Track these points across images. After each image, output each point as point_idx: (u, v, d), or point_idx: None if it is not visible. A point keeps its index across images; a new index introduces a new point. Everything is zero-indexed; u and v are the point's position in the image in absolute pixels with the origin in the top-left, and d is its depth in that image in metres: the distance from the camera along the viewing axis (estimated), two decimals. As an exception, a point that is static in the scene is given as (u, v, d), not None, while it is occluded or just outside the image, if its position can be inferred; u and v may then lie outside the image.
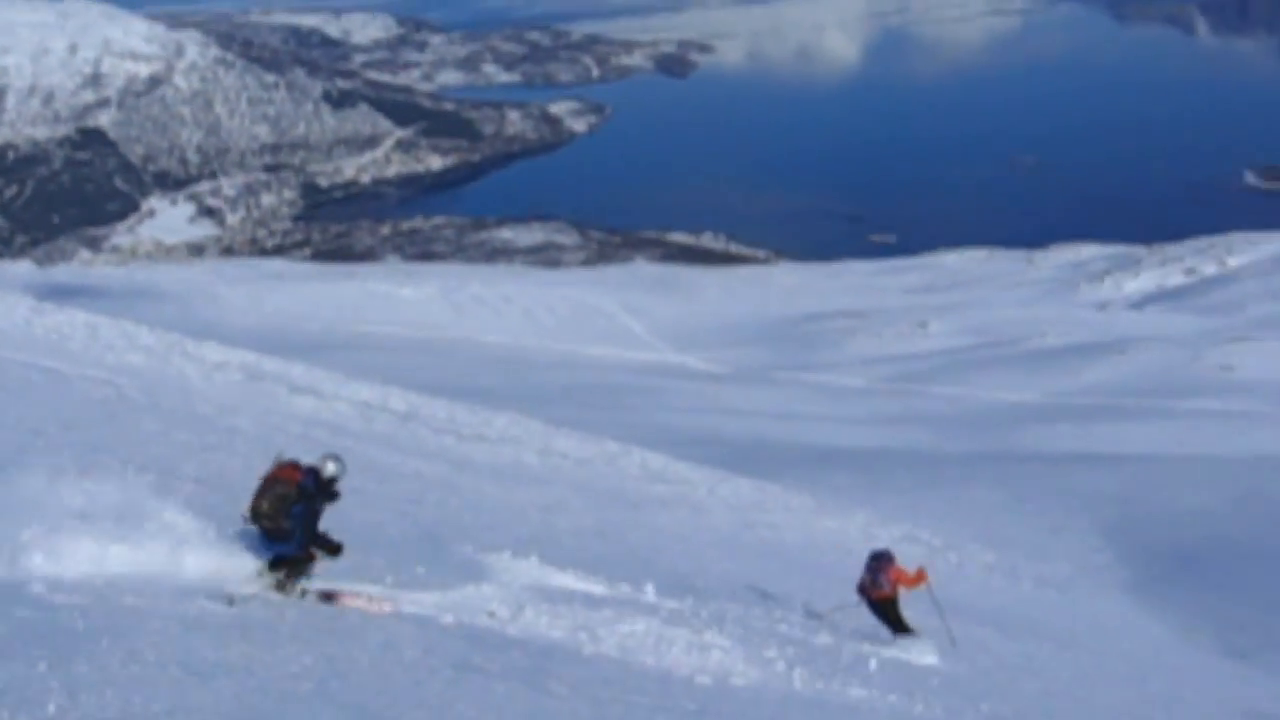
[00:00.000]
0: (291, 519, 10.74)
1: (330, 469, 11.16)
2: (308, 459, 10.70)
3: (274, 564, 10.77)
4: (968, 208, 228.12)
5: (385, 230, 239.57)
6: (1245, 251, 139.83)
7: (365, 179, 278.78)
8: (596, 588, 15.05)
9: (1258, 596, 31.61)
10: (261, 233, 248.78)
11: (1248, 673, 25.73)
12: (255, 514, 10.67)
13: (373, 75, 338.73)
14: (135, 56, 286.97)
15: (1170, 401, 70.18)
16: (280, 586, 10.73)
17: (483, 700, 8.87)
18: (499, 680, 9.53)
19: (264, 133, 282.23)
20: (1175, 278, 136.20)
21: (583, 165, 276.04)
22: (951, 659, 16.88)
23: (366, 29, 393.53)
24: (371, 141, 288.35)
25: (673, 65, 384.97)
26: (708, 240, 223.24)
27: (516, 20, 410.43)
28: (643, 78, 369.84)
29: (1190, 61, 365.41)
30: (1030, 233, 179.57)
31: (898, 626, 16.51)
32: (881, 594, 16.43)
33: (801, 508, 32.17)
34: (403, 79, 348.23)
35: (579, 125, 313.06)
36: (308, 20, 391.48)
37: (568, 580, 14.92)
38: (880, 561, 16.47)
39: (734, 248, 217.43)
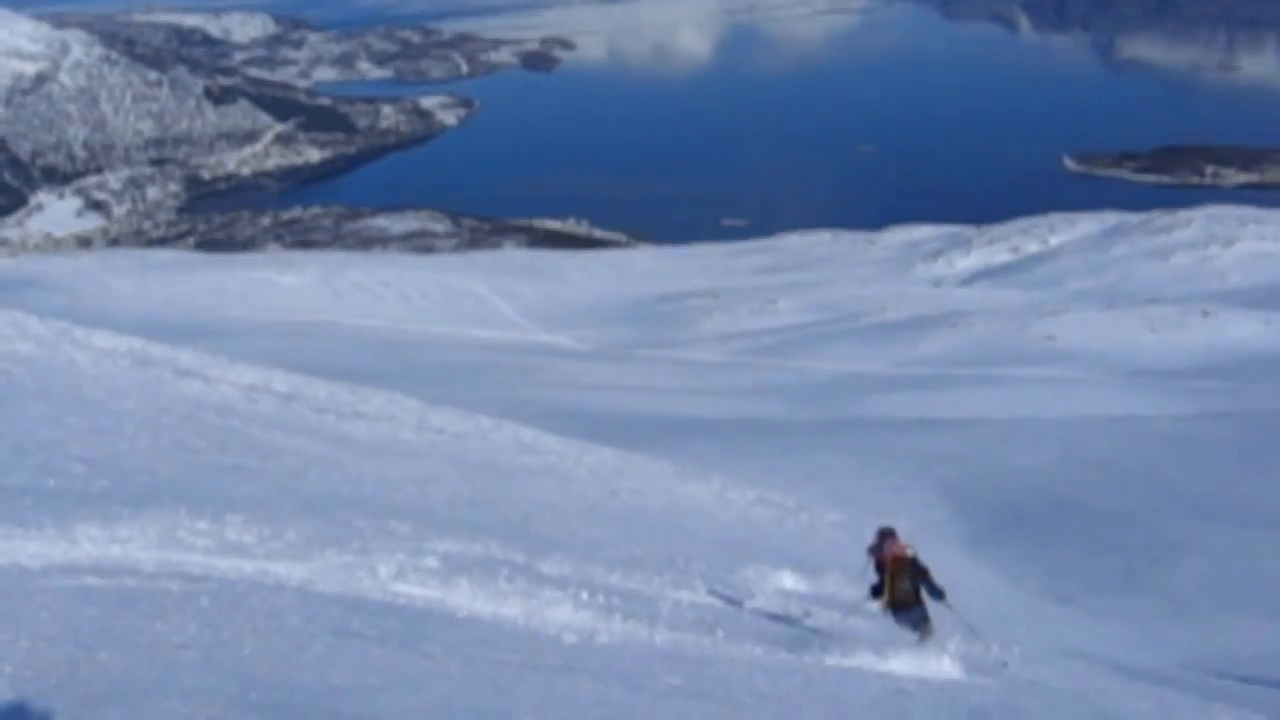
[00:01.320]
0: None
1: None
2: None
3: None
4: (813, 193, 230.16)
5: (266, 220, 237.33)
6: (1065, 231, 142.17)
7: (246, 172, 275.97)
8: (470, 554, 14.94)
9: (1080, 546, 32.20)
10: (147, 224, 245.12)
11: (1072, 615, 26.19)
12: None
13: (252, 72, 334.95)
14: (21, 55, 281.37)
15: (999, 369, 71.20)
16: None
17: (360, 664, 8.77)
18: (375, 644, 9.42)
19: (148, 128, 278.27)
20: (1002, 255, 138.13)
21: (453, 156, 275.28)
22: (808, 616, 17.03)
23: (245, 28, 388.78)
24: (252, 136, 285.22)
25: (537, 61, 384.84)
26: (572, 226, 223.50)
27: (389, 19, 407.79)
28: (509, 73, 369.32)
29: (1014, 56, 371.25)
30: (870, 216, 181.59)
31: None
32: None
33: (663, 474, 32.22)
34: (281, 76, 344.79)
35: (449, 118, 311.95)
36: (189, 20, 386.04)
37: (442, 548, 14.79)
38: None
39: (597, 232, 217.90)
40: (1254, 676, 21.72)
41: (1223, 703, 16.92)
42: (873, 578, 16.63)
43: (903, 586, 15.99)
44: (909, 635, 15.54)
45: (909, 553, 16.16)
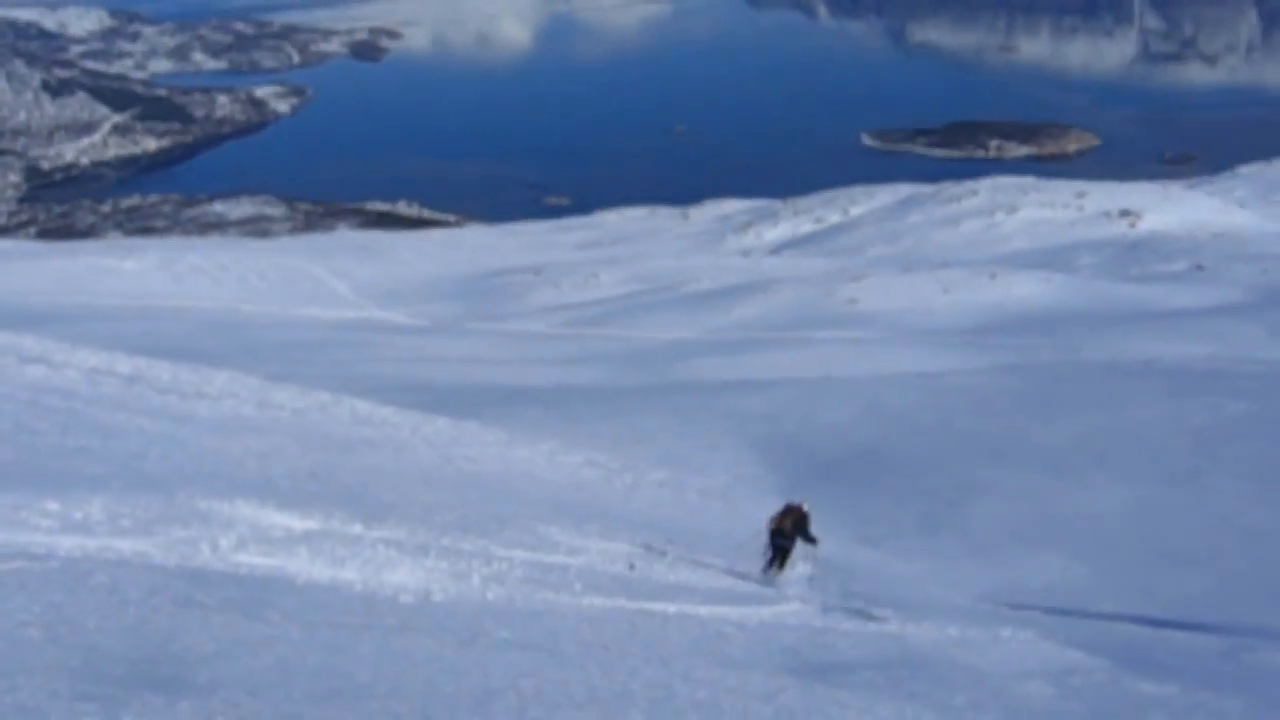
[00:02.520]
0: None
1: None
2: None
3: None
4: (631, 171, 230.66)
5: (106, 208, 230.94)
6: (864, 202, 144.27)
7: (85, 161, 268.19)
8: (310, 524, 14.74)
9: (884, 493, 32.74)
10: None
11: (880, 558, 26.63)
12: None
13: (89, 65, 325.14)
14: None
15: (806, 332, 72.08)
16: None
17: (202, 632, 8.58)
18: (217, 613, 9.23)
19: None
20: (807, 226, 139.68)
21: (288, 143, 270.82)
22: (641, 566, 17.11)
23: (81, 21, 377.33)
24: (90, 127, 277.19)
25: (366, 51, 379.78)
26: (403, 208, 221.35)
27: (222, 12, 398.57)
28: (339, 63, 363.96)
29: (814, 41, 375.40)
30: (684, 192, 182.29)
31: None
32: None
33: (495, 441, 32.06)
34: (117, 68, 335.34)
35: (282, 107, 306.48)
36: (24, 14, 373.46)
37: (283, 519, 14.57)
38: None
39: (426, 213, 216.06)
40: (1043, 606, 22.32)
41: (1013, 629, 17.35)
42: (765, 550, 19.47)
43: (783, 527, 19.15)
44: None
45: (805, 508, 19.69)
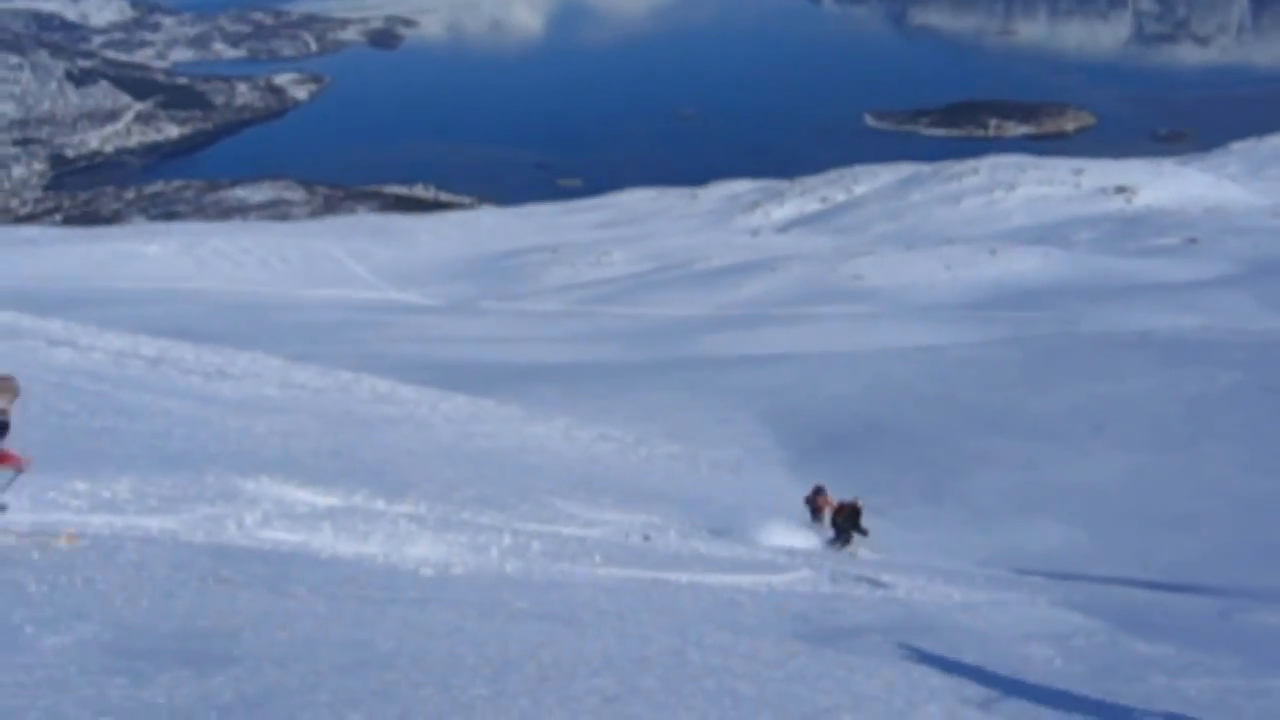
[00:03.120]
0: None
1: None
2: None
3: None
4: (641, 154, 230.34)
5: (130, 195, 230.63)
6: (867, 181, 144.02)
7: (109, 149, 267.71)
8: (333, 500, 14.74)
9: (888, 464, 32.73)
10: (14, 202, 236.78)
11: (884, 526, 26.57)
12: None
13: (111, 55, 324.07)
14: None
15: (813, 308, 72.01)
16: None
17: (227, 607, 8.56)
18: (243, 589, 9.21)
19: (11, 110, 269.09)
20: (813, 205, 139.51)
21: (306, 129, 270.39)
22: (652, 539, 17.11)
23: (103, 12, 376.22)
24: (113, 115, 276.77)
25: (382, 39, 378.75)
26: (419, 191, 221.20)
27: (241, 2, 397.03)
28: (356, 50, 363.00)
29: (818, 25, 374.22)
30: (693, 173, 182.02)
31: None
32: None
33: (511, 417, 32.08)
34: (139, 57, 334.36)
35: (301, 94, 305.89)
36: (47, 5, 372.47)
37: (307, 495, 14.58)
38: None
39: (442, 196, 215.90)
40: (1041, 570, 22.33)
41: (1015, 594, 17.34)
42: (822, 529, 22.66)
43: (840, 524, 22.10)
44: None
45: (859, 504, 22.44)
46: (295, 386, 28.45)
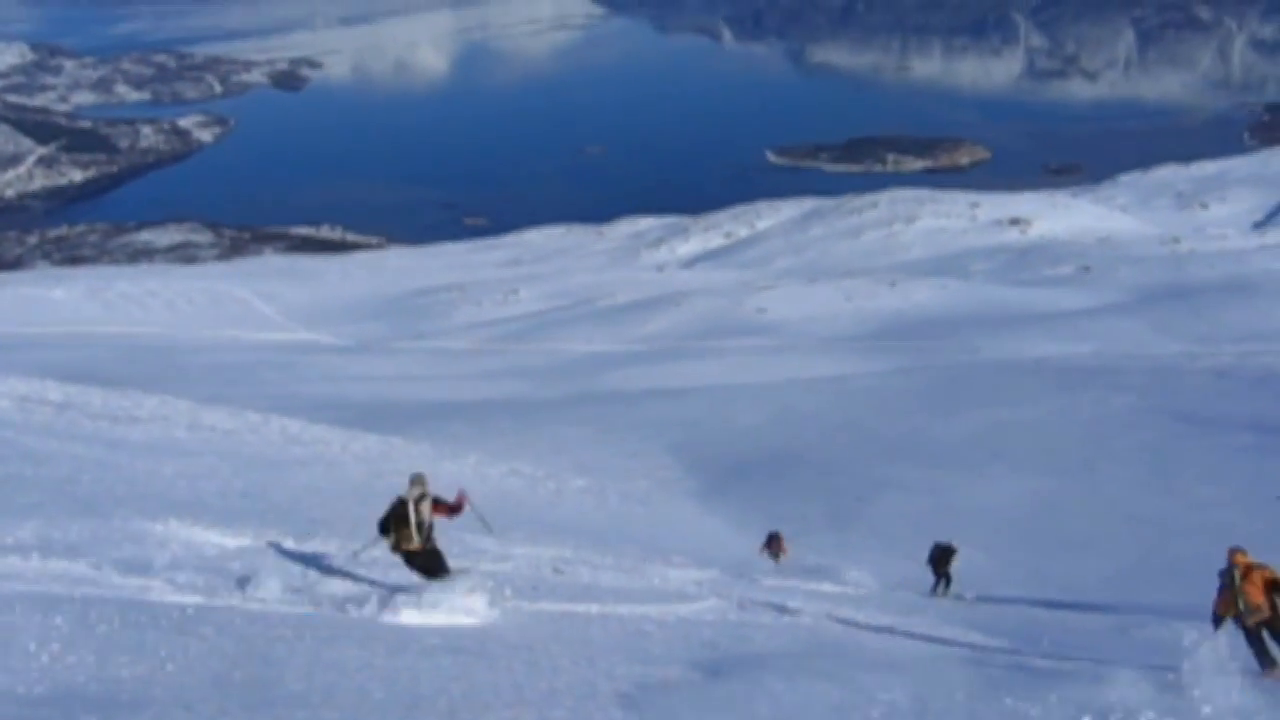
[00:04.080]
0: None
1: None
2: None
3: None
4: (547, 192, 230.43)
5: (33, 239, 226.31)
6: (770, 216, 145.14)
7: (11, 194, 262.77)
8: (243, 540, 14.60)
9: (796, 491, 32.98)
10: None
11: (794, 552, 26.73)
12: None
13: (12, 98, 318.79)
14: None
15: (719, 341, 72.37)
16: None
17: (136, 652, 8.45)
18: (151, 630, 9.11)
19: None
20: (716, 240, 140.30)
21: (212, 171, 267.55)
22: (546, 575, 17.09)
23: (3, 56, 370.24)
24: (14, 159, 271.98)
25: (287, 81, 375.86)
26: (326, 232, 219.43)
27: (143, 45, 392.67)
28: (261, 92, 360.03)
29: (720, 64, 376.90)
30: (599, 210, 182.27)
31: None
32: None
33: (422, 455, 31.86)
34: (40, 101, 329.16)
35: (206, 136, 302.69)
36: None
37: (216, 537, 14.43)
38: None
39: (350, 237, 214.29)
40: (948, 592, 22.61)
41: (918, 615, 17.52)
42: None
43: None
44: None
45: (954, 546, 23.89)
46: (204, 429, 28.09)
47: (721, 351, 67.59)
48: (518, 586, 14.80)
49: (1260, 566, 12.88)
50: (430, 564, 12.99)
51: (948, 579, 23.37)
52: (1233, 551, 13.19)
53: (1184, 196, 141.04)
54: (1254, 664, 12.74)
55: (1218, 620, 12.97)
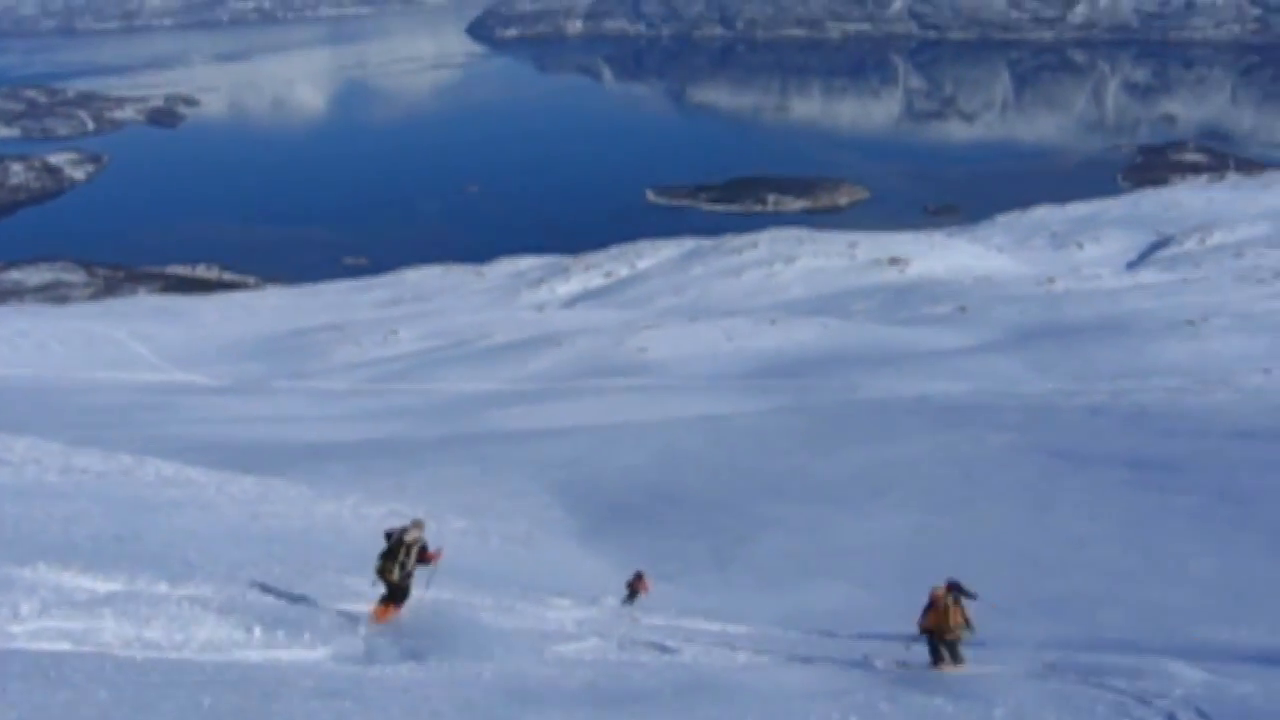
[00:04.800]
0: None
1: None
2: None
3: None
4: (426, 231, 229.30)
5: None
6: (651, 256, 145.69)
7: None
8: (115, 585, 14.36)
9: (678, 531, 33.12)
10: None
11: (674, 592, 26.88)
12: None
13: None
14: None
15: (601, 381, 72.47)
16: None
17: (0, 700, 8.32)
18: (17, 680, 8.96)
19: None
20: (597, 280, 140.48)
21: (85, 210, 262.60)
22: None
23: None
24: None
25: (162, 117, 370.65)
26: (203, 271, 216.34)
27: (13, 80, 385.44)
28: (135, 129, 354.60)
29: (599, 102, 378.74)
30: (479, 249, 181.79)
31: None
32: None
33: (300, 497, 31.58)
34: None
35: (78, 174, 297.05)
36: None
37: (87, 581, 14.19)
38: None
39: (227, 276, 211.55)
40: (827, 630, 22.80)
41: (798, 653, 17.70)
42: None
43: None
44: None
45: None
46: (76, 471, 27.58)
47: (603, 391, 67.69)
48: (396, 631, 14.73)
49: (956, 601, 17.43)
50: (397, 594, 15.20)
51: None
52: (945, 584, 17.88)
53: (1059, 237, 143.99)
54: (928, 660, 17.43)
55: (922, 633, 17.68)
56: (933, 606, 17.62)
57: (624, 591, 25.52)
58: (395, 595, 15.26)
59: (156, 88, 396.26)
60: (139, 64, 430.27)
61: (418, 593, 16.05)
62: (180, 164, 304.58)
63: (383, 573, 15.19)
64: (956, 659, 17.35)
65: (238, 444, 50.07)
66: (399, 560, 15.15)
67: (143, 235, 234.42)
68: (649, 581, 25.81)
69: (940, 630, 17.41)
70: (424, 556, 15.53)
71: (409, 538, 15.24)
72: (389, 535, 15.58)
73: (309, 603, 15.90)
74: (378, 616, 15.11)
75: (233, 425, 59.58)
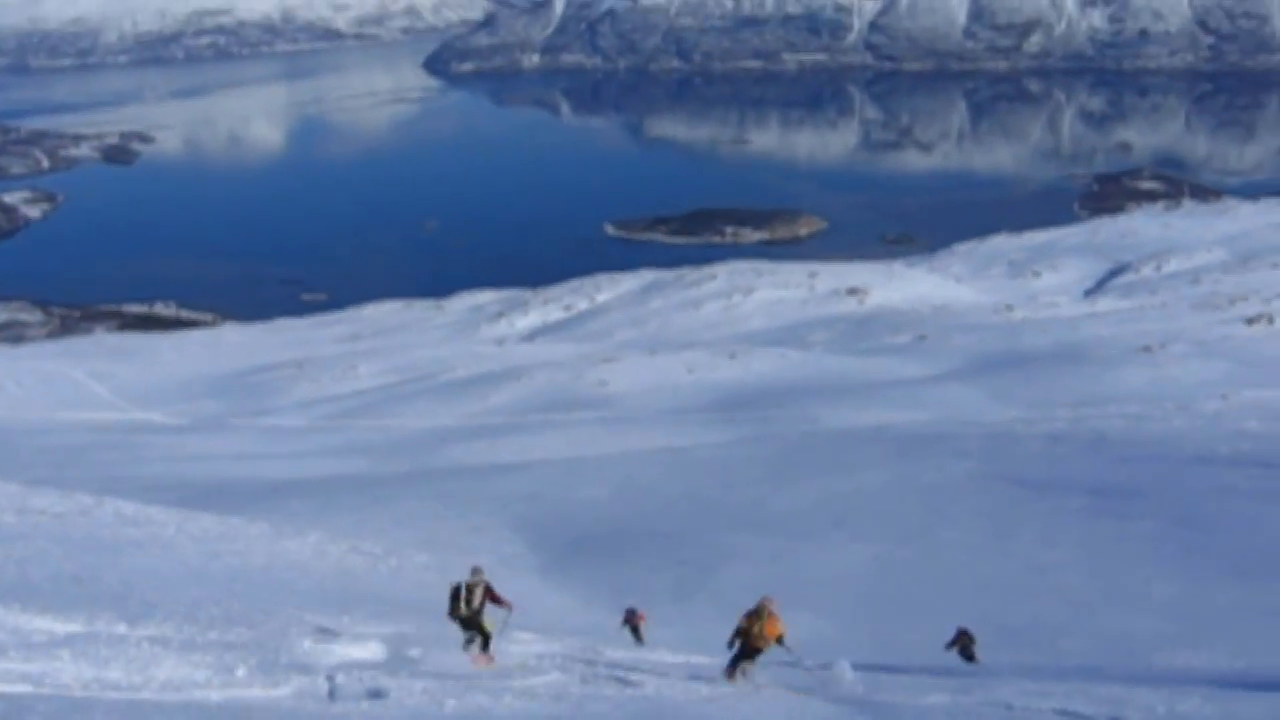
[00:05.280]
0: None
1: None
2: None
3: None
4: (385, 266, 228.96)
5: None
6: (610, 289, 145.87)
7: None
8: (74, 626, 14.32)
9: (639, 563, 33.16)
10: None
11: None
12: None
13: None
14: None
15: (561, 415, 72.52)
16: None
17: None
18: (-23, 720, 8.95)
19: None
20: (557, 314, 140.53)
21: (40, 248, 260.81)
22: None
23: None
24: None
25: (118, 155, 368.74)
26: (160, 309, 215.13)
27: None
28: (90, 167, 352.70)
29: (558, 137, 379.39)
30: (438, 284, 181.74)
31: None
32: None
33: (261, 535, 31.46)
34: None
35: (33, 212, 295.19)
36: None
37: (45, 623, 14.14)
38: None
39: (184, 314, 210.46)
40: (793, 663, 22.86)
41: (761, 684, 17.77)
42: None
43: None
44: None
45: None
46: (34, 512, 27.41)
47: (563, 425, 67.74)
48: (359, 665, 14.72)
49: (775, 617, 18.08)
50: (471, 623, 17.08)
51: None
52: (766, 598, 18.56)
53: (1017, 265, 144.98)
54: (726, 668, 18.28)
55: (734, 641, 18.26)
56: (756, 613, 18.22)
57: (626, 632, 25.41)
58: (469, 623, 17.11)
59: (112, 125, 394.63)
60: (94, 101, 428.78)
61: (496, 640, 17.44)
62: (136, 201, 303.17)
63: (453, 614, 17.11)
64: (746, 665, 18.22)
65: (197, 482, 49.86)
66: (464, 599, 16.99)
67: (99, 274, 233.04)
68: (643, 612, 25.83)
69: (751, 636, 18.10)
70: (493, 597, 17.30)
71: (470, 581, 17.11)
72: (455, 587, 17.30)
73: (270, 641, 15.86)
74: (476, 663, 16.67)
75: (192, 463, 59.31)
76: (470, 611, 16.99)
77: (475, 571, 17.37)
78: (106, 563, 22.56)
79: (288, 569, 27.19)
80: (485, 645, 17.10)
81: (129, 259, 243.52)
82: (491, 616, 17.34)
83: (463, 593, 17.02)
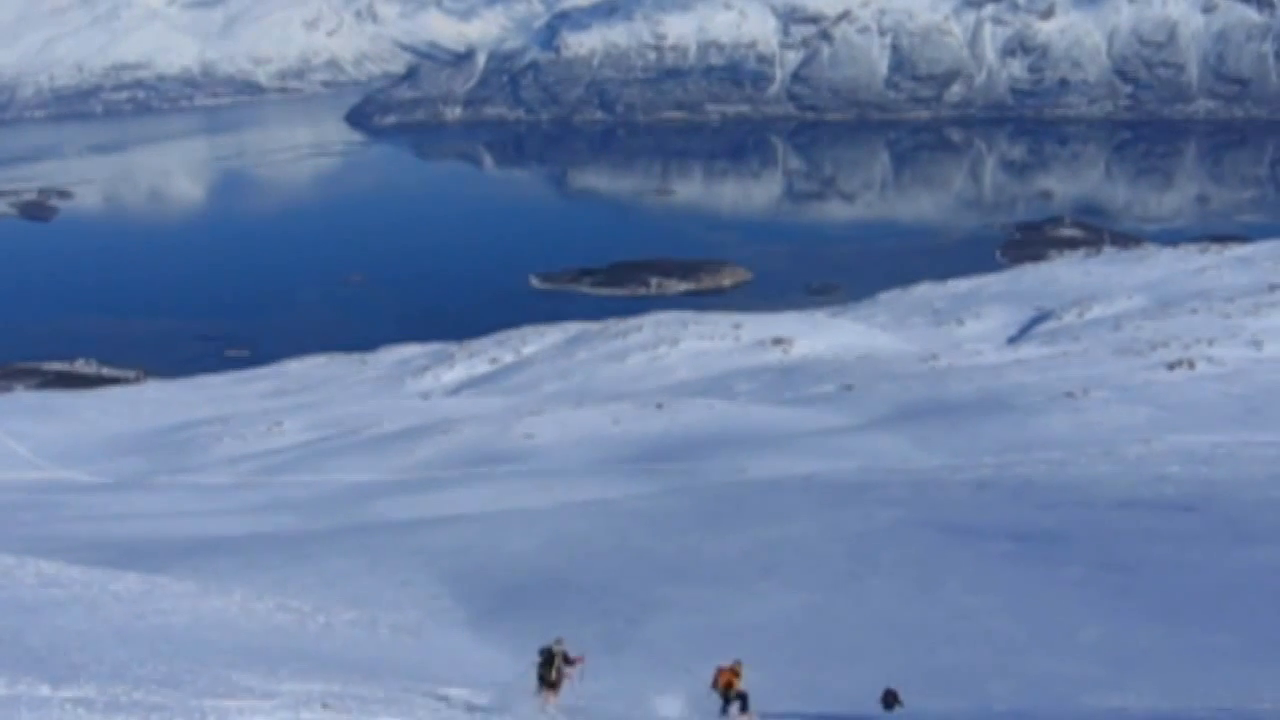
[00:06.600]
0: None
1: None
2: None
3: None
4: (309, 321, 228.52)
5: None
6: (535, 341, 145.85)
7: None
8: (-6, 688, 14.16)
9: (569, 616, 33.07)
10: None
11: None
12: None
13: None
14: None
15: (488, 468, 72.39)
16: None
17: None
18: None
19: None
20: (482, 366, 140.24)
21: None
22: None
23: None
24: None
25: (35, 211, 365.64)
26: (81, 366, 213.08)
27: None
28: (7, 223, 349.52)
29: (481, 189, 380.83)
30: (362, 338, 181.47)
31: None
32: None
33: (187, 593, 31.14)
34: None
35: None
36: None
37: (-35, 686, 13.97)
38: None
39: (106, 371, 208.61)
40: (721, 710, 22.94)
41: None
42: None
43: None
44: None
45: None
46: (-49, 575, 27.06)
47: (490, 478, 67.63)
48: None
49: (734, 668, 21.60)
50: (553, 685, 20.48)
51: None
52: (736, 661, 21.92)
53: (941, 314, 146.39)
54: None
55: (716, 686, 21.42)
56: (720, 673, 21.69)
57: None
58: (551, 685, 20.48)
59: (29, 181, 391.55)
60: (11, 157, 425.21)
61: (572, 688, 21.01)
62: (56, 258, 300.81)
63: (543, 679, 20.47)
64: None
65: (121, 541, 49.25)
66: (555, 666, 20.47)
67: (18, 331, 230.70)
68: (578, 656, 25.52)
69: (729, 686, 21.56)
70: (569, 660, 20.84)
71: (557, 649, 20.70)
72: (543, 651, 20.74)
73: (196, 700, 15.76)
74: (548, 700, 20.34)
75: (115, 522, 58.58)
76: (557, 676, 20.45)
77: (558, 641, 20.94)
78: (29, 623, 22.30)
79: (214, 628, 26.96)
80: (555, 689, 20.47)
81: (48, 316, 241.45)
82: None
83: (555, 659, 20.53)
